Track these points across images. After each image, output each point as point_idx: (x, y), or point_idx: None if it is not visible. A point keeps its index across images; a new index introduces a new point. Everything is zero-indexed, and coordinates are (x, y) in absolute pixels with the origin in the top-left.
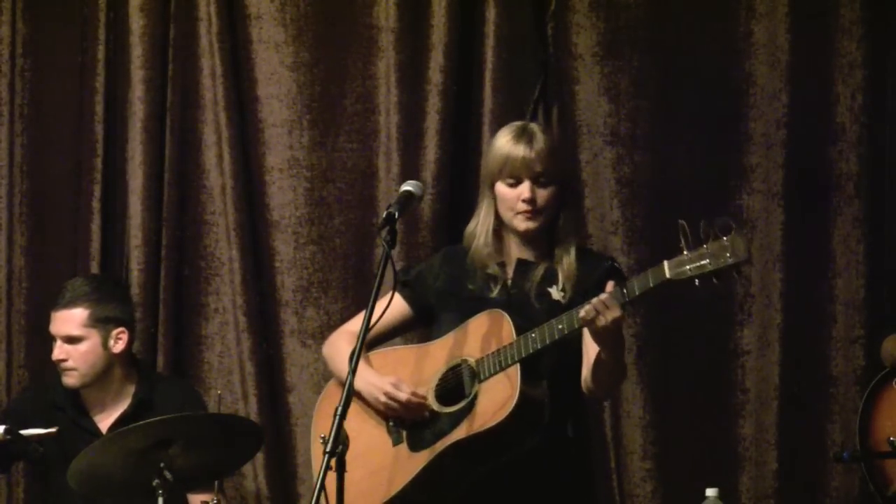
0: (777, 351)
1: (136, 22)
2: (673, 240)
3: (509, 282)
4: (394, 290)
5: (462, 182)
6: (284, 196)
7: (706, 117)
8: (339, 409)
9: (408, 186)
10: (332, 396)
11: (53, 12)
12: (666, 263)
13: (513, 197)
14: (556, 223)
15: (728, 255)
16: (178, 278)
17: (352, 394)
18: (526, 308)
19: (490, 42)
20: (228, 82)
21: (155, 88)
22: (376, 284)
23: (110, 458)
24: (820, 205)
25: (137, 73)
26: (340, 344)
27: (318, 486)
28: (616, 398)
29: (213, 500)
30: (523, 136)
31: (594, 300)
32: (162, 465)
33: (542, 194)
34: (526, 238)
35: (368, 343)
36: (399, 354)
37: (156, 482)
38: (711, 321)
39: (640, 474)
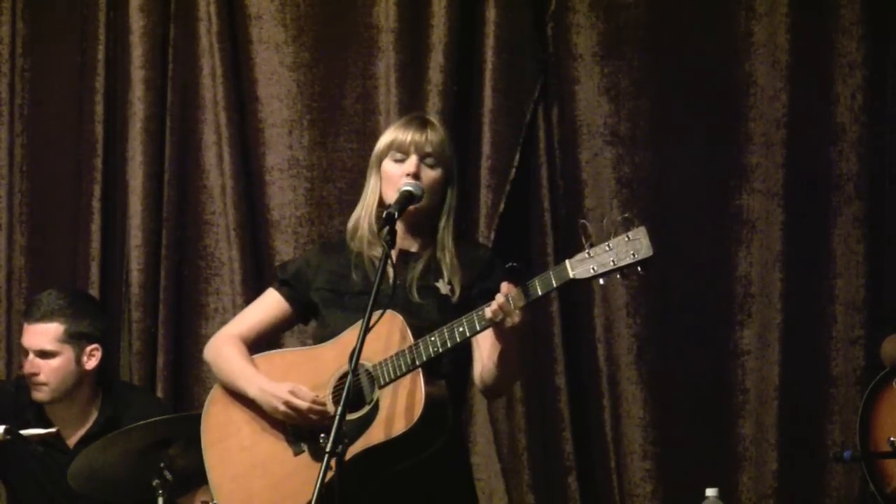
0: (777, 351)
1: (136, 22)
2: (673, 240)
3: (392, 272)
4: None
5: (461, 182)
6: (284, 196)
7: (706, 117)
8: (339, 409)
9: (408, 186)
10: (220, 401)
11: (53, 12)
12: (568, 263)
13: (398, 173)
14: (438, 213)
15: (631, 251)
16: (178, 278)
17: (351, 393)
18: (414, 304)
19: (490, 42)
20: (228, 82)
21: (155, 88)
22: (376, 285)
23: (110, 458)
24: (820, 205)
25: (137, 73)
26: (223, 348)
27: (317, 485)
28: (616, 398)
29: (213, 500)
30: (415, 120)
31: (499, 301)
32: (162, 465)
33: (428, 174)
34: (408, 225)
35: (249, 346)
36: (288, 359)
37: (156, 482)
38: (711, 321)
39: (640, 474)
